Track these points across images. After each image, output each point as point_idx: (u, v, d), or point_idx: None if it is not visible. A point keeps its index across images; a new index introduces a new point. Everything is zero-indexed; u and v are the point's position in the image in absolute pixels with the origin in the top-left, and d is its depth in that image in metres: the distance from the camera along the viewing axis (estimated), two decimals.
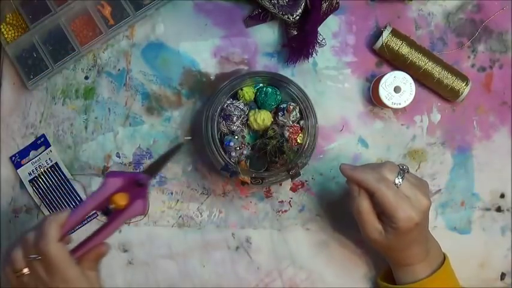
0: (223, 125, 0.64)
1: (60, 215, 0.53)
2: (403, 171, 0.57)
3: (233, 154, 0.63)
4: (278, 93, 0.65)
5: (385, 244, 0.58)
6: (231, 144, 0.63)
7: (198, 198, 0.71)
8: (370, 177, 0.56)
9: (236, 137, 0.63)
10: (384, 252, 0.62)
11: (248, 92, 0.65)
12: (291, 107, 0.63)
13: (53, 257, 0.51)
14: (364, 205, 0.58)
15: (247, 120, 0.65)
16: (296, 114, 0.64)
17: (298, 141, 0.64)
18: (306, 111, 0.63)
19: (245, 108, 0.65)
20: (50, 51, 0.70)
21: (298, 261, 0.70)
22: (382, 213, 0.57)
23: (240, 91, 0.65)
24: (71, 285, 0.52)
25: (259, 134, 0.65)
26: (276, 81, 0.65)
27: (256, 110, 0.65)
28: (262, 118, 0.64)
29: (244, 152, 0.63)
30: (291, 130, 0.63)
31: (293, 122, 0.64)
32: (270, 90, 0.65)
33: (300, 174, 0.64)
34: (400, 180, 0.57)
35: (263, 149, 0.63)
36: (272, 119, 0.65)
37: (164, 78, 0.71)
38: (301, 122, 0.64)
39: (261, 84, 0.65)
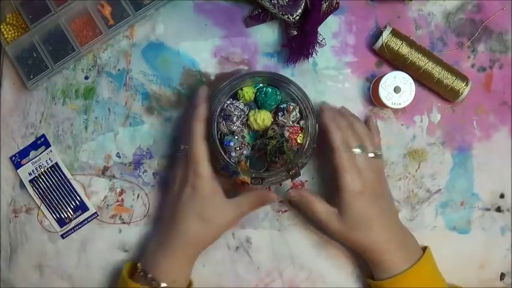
0: (223, 125, 0.64)
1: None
2: (363, 148, 0.63)
3: (233, 154, 0.62)
4: (278, 93, 0.65)
5: (345, 228, 0.62)
6: (231, 144, 0.62)
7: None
8: (338, 136, 0.62)
9: (236, 137, 0.63)
10: (350, 242, 0.63)
11: (248, 92, 0.64)
12: (291, 107, 0.63)
13: (194, 154, 0.60)
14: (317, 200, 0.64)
15: (247, 120, 0.65)
16: (296, 115, 0.64)
17: (298, 141, 0.63)
18: (306, 111, 0.63)
19: (245, 108, 0.64)
20: (50, 51, 0.70)
21: (298, 261, 0.70)
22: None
23: (240, 91, 0.65)
24: (201, 186, 0.61)
25: (259, 134, 0.65)
26: (276, 81, 0.65)
27: (256, 110, 0.65)
28: (262, 118, 0.64)
29: (244, 152, 0.63)
30: (291, 130, 0.63)
31: (293, 122, 0.64)
32: (270, 90, 0.65)
33: (300, 174, 0.65)
34: (359, 151, 0.62)
35: (263, 149, 0.63)
36: (272, 119, 0.65)
37: (164, 78, 0.71)
38: (301, 122, 0.64)
39: (261, 85, 0.65)
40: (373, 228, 0.62)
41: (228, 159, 0.63)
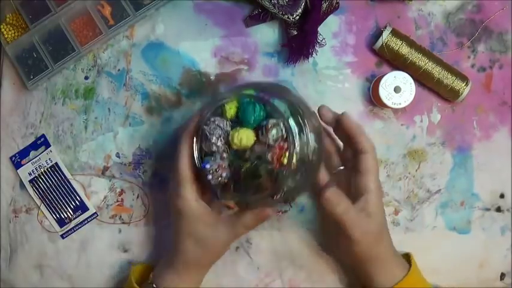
0: (204, 144, 0.57)
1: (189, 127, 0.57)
2: None
3: (209, 177, 0.55)
4: (259, 108, 0.55)
5: (365, 225, 0.58)
6: (207, 166, 0.55)
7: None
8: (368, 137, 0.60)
9: (213, 158, 0.56)
10: (362, 242, 0.59)
11: (231, 108, 0.57)
12: (269, 125, 0.54)
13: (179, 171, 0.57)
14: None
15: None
16: (277, 133, 0.54)
17: (284, 162, 0.54)
18: (290, 132, 0.54)
19: (227, 126, 0.56)
20: (50, 51, 0.70)
21: (298, 261, 0.70)
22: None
23: (222, 107, 0.57)
24: (185, 209, 0.58)
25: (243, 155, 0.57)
26: (263, 94, 0.56)
27: (238, 128, 0.56)
28: (240, 137, 0.55)
29: (223, 174, 0.55)
30: (274, 150, 0.54)
31: (275, 141, 0.54)
32: (251, 105, 0.55)
33: (292, 200, 0.57)
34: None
35: (238, 172, 0.55)
36: (255, 138, 0.55)
37: (164, 78, 0.71)
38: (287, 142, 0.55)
39: (246, 99, 0.56)
40: (384, 234, 0.61)
41: (208, 182, 0.56)
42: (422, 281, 0.63)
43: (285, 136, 0.54)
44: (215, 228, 0.59)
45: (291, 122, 0.54)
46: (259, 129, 0.55)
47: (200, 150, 0.57)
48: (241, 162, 0.55)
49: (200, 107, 0.71)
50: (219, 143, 0.56)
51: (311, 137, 0.55)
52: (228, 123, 0.56)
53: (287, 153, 0.54)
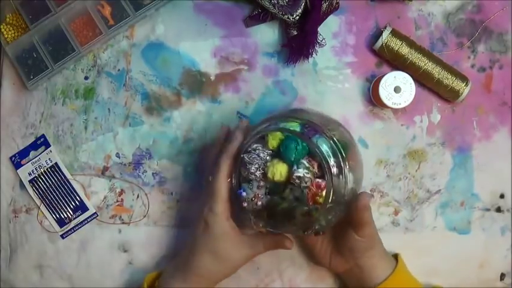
0: (242, 171, 0.56)
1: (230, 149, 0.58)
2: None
3: (244, 204, 0.56)
4: (301, 147, 0.54)
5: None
6: (243, 194, 0.56)
7: (198, 198, 0.70)
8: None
9: (250, 186, 0.56)
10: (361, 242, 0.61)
11: (274, 139, 0.55)
12: (303, 164, 0.54)
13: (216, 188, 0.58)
14: None
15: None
16: (307, 173, 0.54)
17: (320, 200, 0.53)
18: (330, 169, 0.53)
19: (266, 157, 0.55)
20: (50, 51, 0.70)
21: (298, 261, 0.70)
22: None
23: (266, 136, 0.56)
24: (214, 224, 0.59)
25: (280, 187, 0.56)
26: (304, 133, 0.55)
27: (275, 161, 0.55)
28: (274, 172, 0.54)
29: (259, 203, 0.56)
30: (311, 188, 0.54)
31: (307, 181, 0.54)
32: (293, 143, 0.54)
33: (321, 233, 0.56)
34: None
35: (272, 207, 0.55)
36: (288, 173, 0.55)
37: (164, 78, 0.71)
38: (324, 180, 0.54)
39: (289, 135, 0.55)
40: (376, 240, 0.63)
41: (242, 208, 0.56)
42: (408, 274, 0.65)
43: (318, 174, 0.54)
44: (237, 248, 0.61)
45: (331, 162, 0.54)
46: (298, 164, 0.54)
47: (238, 174, 0.57)
48: (278, 199, 0.55)
49: (199, 107, 0.71)
50: (257, 173, 0.55)
51: (349, 178, 0.55)
52: (268, 153, 0.56)
53: (323, 193, 0.53)
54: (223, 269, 0.61)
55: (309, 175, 0.53)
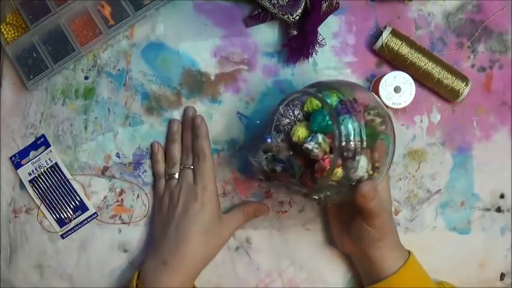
0: (277, 119, 0.59)
1: None
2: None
3: (263, 147, 0.58)
4: (326, 123, 0.56)
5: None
6: (268, 140, 0.58)
7: None
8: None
9: (277, 136, 0.59)
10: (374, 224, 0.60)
11: (311, 104, 0.58)
12: (313, 142, 0.55)
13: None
14: None
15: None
16: (319, 147, 0.55)
17: (324, 175, 0.55)
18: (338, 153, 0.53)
19: (299, 116, 0.59)
20: (50, 51, 0.70)
21: (298, 261, 0.70)
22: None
23: (307, 97, 0.58)
24: (210, 201, 0.65)
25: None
26: (337, 110, 0.55)
27: (304, 123, 0.58)
28: (295, 133, 0.57)
29: (280, 154, 0.58)
30: (322, 162, 0.55)
31: (314, 156, 0.55)
32: (320, 116, 0.56)
33: (326, 204, 0.58)
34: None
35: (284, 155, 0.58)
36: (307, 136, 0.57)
37: (164, 78, 0.71)
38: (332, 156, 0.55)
39: (320, 108, 0.57)
40: (389, 221, 0.63)
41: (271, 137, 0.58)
42: (420, 268, 0.64)
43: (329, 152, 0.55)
44: (226, 222, 0.66)
45: (350, 144, 0.54)
46: (313, 137, 0.55)
47: (275, 121, 0.60)
48: (288, 158, 0.58)
49: (198, 108, 0.71)
50: (287, 127, 0.59)
51: (362, 165, 0.55)
52: (302, 113, 0.59)
53: (329, 169, 0.54)
54: (213, 250, 0.65)
55: (317, 150, 0.55)
